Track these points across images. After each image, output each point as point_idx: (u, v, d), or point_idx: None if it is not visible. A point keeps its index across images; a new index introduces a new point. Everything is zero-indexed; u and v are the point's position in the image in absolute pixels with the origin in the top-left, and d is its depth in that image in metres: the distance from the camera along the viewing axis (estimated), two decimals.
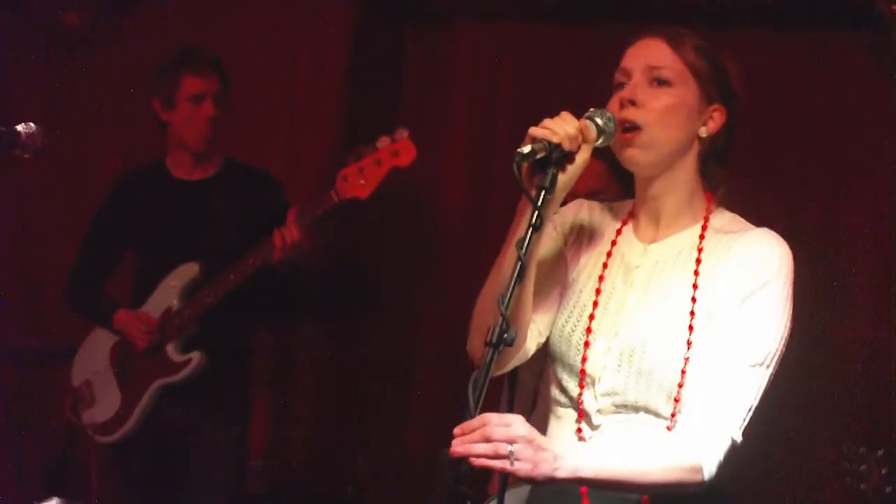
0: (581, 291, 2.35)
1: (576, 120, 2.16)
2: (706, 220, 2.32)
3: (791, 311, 2.23)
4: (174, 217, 4.09)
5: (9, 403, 4.70)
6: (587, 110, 2.22)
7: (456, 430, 1.98)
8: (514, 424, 1.99)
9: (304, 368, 4.80)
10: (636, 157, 2.26)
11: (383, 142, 3.85)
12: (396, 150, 3.84)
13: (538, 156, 2.09)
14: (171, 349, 4.03)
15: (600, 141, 2.19)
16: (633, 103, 2.25)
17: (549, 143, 2.10)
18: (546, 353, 2.38)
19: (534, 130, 2.12)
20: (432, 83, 4.90)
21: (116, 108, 4.95)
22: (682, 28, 2.32)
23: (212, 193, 4.10)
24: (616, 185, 2.90)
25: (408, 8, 4.87)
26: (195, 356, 4.00)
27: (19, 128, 2.38)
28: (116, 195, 4.20)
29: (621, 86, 2.30)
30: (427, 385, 4.78)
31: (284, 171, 4.59)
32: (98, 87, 4.98)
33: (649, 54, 2.29)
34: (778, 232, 2.28)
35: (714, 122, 2.31)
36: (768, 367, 2.19)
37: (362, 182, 3.85)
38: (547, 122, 2.13)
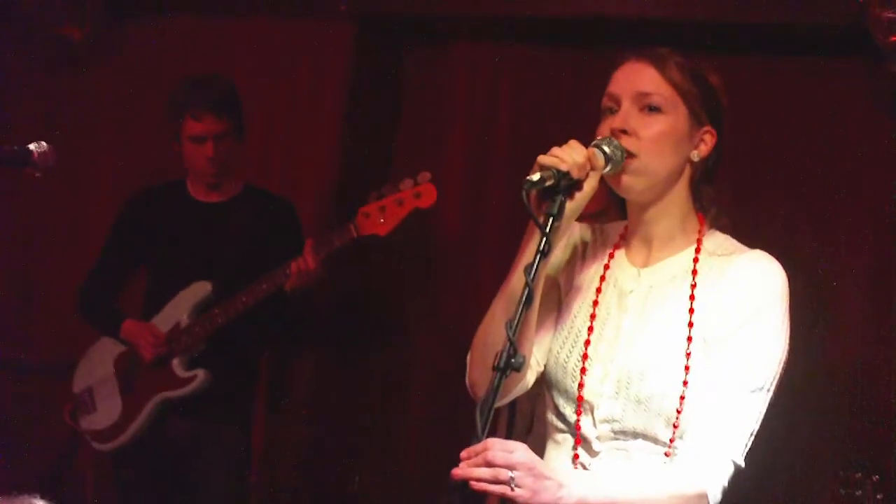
0: (575, 317, 2.34)
1: (584, 148, 2.17)
2: (699, 242, 2.31)
3: (788, 332, 2.23)
4: (189, 237, 4.14)
5: (7, 414, 4.70)
6: (590, 135, 2.24)
7: (462, 454, 1.99)
8: (517, 451, 2.01)
9: (299, 385, 4.79)
10: (631, 183, 2.25)
11: (406, 183, 3.93)
12: (419, 192, 3.92)
13: (547, 183, 2.10)
14: (176, 364, 4.06)
15: (608, 169, 2.20)
16: (624, 132, 2.24)
17: (558, 171, 2.11)
18: (542, 379, 2.37)
19: (542, 158, 2.13)
20: (430, 104, 4.91)
21: (115, 121, 4.97)
22: (665, 48, 2.31)
23: (227, 216, 4.15)
24: (615, 207, 2.91)
25: (406, 29, 4.88)
26: (199, 374, 4.03)
27: (32, 146, 2.38)
28: (134, 211, 4.25)
29: (610, 111, 2.28)
30: (421, 406, 4.79)
31: (281, 193, 4.60)
32: (97, 101, 4.99)
33: (637, 80, 2.27)
34: (773, 254, 2.28)
35: (705, 144, 2.30)
36: (768, 391, 2.20)
37: (382, 220, 3.93)
38: (555, 150, 2.14)
